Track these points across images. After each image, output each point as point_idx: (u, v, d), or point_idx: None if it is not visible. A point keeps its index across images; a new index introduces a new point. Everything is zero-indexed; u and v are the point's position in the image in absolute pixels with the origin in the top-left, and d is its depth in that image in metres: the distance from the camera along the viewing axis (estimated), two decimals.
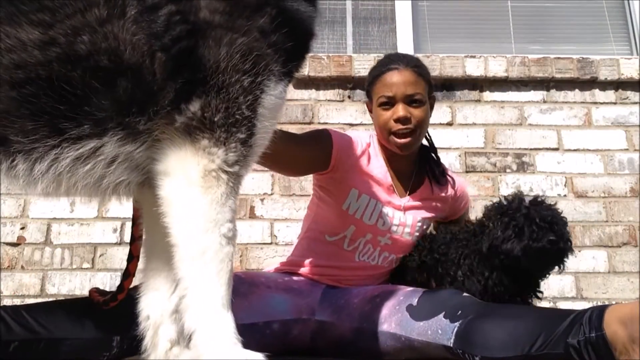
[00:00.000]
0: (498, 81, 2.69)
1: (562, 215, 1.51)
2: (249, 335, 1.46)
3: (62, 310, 1.21)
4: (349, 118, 2.62)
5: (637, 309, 0.99)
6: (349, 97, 2.64)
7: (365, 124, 2.63)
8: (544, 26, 2.98)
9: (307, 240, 1.73)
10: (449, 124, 2.65)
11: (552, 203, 1.54)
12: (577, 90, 2.69)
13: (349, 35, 2.95)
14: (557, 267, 1.50)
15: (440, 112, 2.66)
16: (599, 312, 1.05)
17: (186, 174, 0.94)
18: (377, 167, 1.69)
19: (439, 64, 2.67)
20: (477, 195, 2.56)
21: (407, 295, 1.44)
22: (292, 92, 2.59)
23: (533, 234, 1.42)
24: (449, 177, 1.80)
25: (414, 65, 1.68)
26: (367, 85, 1.75)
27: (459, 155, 2.61)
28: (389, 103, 1.63)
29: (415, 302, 1.38)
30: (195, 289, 0.93)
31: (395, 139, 1.63)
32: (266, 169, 2.02)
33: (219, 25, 0.96)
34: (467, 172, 2.59)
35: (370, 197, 1.63)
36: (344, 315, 1.52)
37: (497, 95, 2.69)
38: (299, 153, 1.56)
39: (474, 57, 2.69)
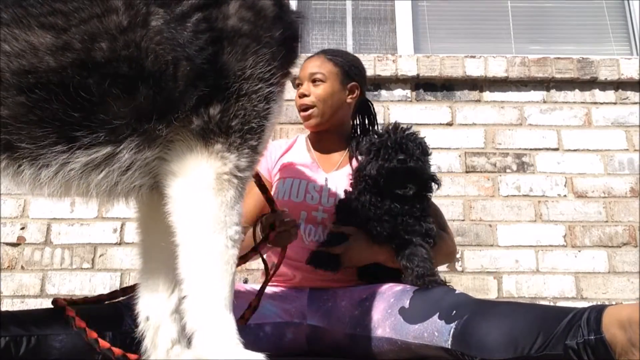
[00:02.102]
0: (498, 81, 2.69)
1: (419, 140, 1.62)
2: (242, 337, 1.47)
3: (51, 312, 1.22)
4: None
5: (636, 312, 0.98)
6: None
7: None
8: (544, 26, 2.98)
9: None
10: (449, 124, 2.65)
11: (415, 132, 1.65)
12: (577, 90, 2.69)
13: (349, 36, 2.95)
14: (415, 187, 1.57)
15: (440, 112, 2.66)
16: (596, 313, 1.04)
17: (199, 176, 0.94)
18: (298, 153, 1.84)
19: (439, 64, 2.67)
20: (477, 195, 2.56)
21: (397, 296, 1.41)
22: (293, 92, 2.60)
23: (385, 155, 1.56)
24: None
25: (327, 53, 1.85)
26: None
27: (459, 156, 2.61)
28: (299, 85, 1.83)
29: (407, 304, 1.36)
30: (198, 289, 0.93)
31: (301, 113, 1.81)
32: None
33: (246, 34, 0.97)
34: (467, 172, 2.59)
35: (294, 177, 1.74)
36: (334, 320, 1.52)
37: (497, 96, 2.69)
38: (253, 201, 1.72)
39: (474, 57, 2.69)
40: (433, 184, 1.64)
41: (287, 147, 1.87)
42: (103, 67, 0.86)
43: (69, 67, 0.84)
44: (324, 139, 1.83)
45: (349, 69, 1.82)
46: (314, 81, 1.78)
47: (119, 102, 0.87)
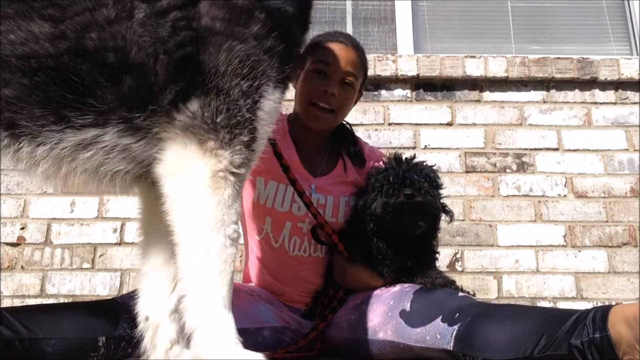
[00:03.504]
0: (498, 81, 2.69)
1: (427, 170, 1.45)
2: (242, 341, 1.46)
3: (44, 312, 1.20)
4: (348, 118, 2.61)
5: None
6: None
7: (365, 124, 2.63)
8: (544, 26, 2.98)
9: (249, 247, 1.71)
10: (449, 124, 2.65)
11: (421, 162, 1.48)
12: (577, 90, 2.69)
13: None
14: (426, 224, 1.42)
15: (440, 112, 2.66)
16: (602, 312, 1.04)
17: (195, 174, 0.95)
18: (283, 148, 1.57)
19: (439, 64, 2.67)
20: (477, 195, 2.56)
21: (396, 298, 1.40)
22: (293, 92, 2.59)
23: (389, 191, 1.38)
24: (365, 157, 1.72)
25: (360, 50, 1.63)
26: (306, 48, 1.60)
27: (459, 156, 2.61)
28: (324, 72, 1.56)
29: (407, 307, 1.34)
30: (197, 289, 0.93)
31: (316, 111, 1.57)
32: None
33: (219, 32, 0.99)
34: (467, 172, 2.59)
35: (278, 182, 1.55)
36: (331, 327, 1.51)
37: (497, 96, 2.69)
38: None
39: (474, 57, 2.69)
40: (444, 215, 1.49)
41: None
42: (93, 55, 0.93)
43: (64, 53, 0.92)
44: (312, 137, 1.65)
45: (365, 76, 1.67)
46: (344, 83, 1.57)
47: (105, 88, 0.94)
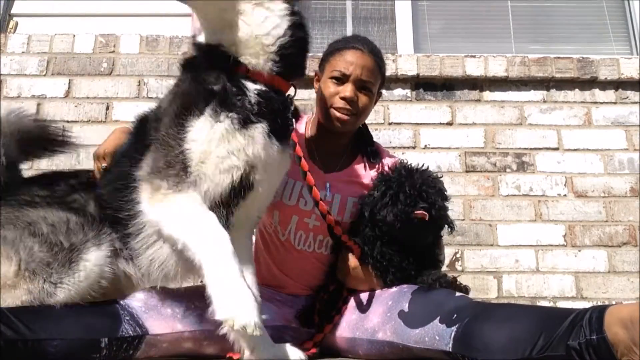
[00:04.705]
0: (498, 81, 2.69)
1: (439, 186, 1.47)
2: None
3: (47, 313, 1.19)
4: None
5: (637, 311, 0.98)
6: None
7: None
8: (544, 26, 2.98)
9: (257, 242, 1.73)
10: (449, 124, 2.65)
11: (434, 172, 1.51)
12: (577, 90, 2.69)
13: None
14: (433, 236, 1.47)
15: (440, 112, 2.66)
16: (598, 313, 1.04)
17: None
18: (298, 141, 1.62)
19: (439, 64, 2.67)
20: (477, 195, 2.56)
21: (395, 299, 1.40)
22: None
23: (406, 200, 1.40)
24: (382, 158, 1.75)
25: (377, 55, 1.65)
26: (324, 55, 1.70)
27: (459, 155, 2.61)
28: (341, 79, 1.60)
29: (406, 307, 1.35)
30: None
31: (336, 112, 1.60)
32: None
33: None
34: (467, 171, 2.59)
35: (288, 176, 1.58)
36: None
37: (497, 95, 2.69)
38: None
39: (474, 57, 2.69)
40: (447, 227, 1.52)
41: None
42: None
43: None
44: (334, 138, 1.68)
45: (383, 78, 1.69)
46: (361, 87, 1.60)
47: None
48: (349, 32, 2.94)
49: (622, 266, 2.46)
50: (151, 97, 2.59)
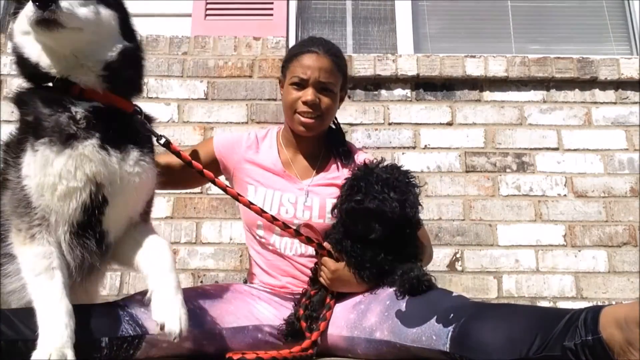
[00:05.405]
0: (498, 81, 2.69)
1: (385, 176, 1.46)
2: (241, 338, 1.46)
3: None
4: (349, 118, 2.62)
5: (633, 312, 0.98)
6: (349, 97, 2.64)
7: (365, 124, 2.63)
8: (544, 26, 2.98)
9: (249, 250, 1.74)
10: (449, 124, 2.66)
11: (387, 165, 1.50)
12: (577, 90, 2.69)
13: (349, 35, 2.95)
14: (382, 227, 1.43)
15: (440, 112, 2.66)
16: (593, 314, 1.03)
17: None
18: (266, 156, 1.71)
19: (439, 64, 2.67)
20: (477, 195, 2.56)
21: (392, 298, 1.40)
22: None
23: (349, 196, 1.45)
24: (355, 157, 1.76)
25: (334, 54, 1.67)
26: (284, 61, 1.74)
27: (459, 155, 2.61)
28: (301, 84, 1.64)
29: (403, 307, 1.35)
30: None
31: (300, 117, 1.64)
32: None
33: None
34: (467, 172, 2.59)
35: (267, 187, 1.65)
36: (329, 325, 1.51)
37: (497, 95, 2.69)
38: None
39: (474, 57, 2.69)
40: (416, 216, 1.49)
41: (256, 144, 1.74)
42: None
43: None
44: (305, 142, 1.72)
45: (344, 75, 1.72)
46: (321, 89, 1.64)
47: None
48: (349, 32, 2.94)
49: (622, 266, 2.47)
50: (151, 97, 2.59)
